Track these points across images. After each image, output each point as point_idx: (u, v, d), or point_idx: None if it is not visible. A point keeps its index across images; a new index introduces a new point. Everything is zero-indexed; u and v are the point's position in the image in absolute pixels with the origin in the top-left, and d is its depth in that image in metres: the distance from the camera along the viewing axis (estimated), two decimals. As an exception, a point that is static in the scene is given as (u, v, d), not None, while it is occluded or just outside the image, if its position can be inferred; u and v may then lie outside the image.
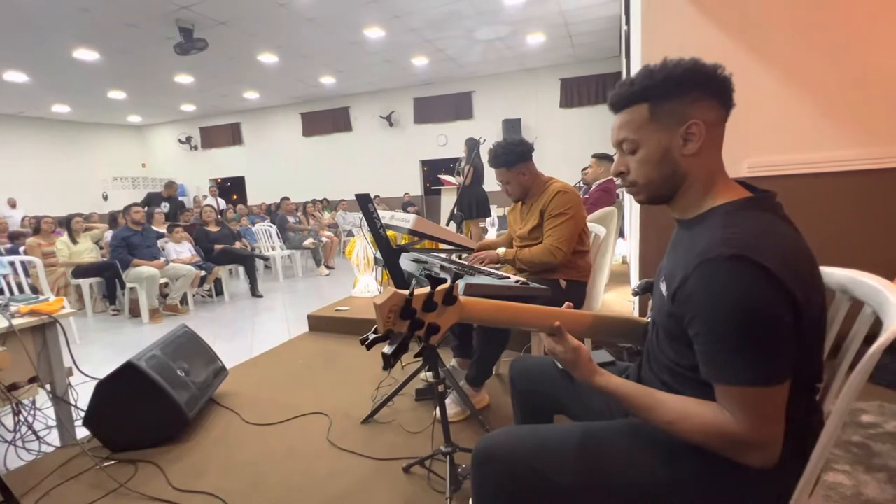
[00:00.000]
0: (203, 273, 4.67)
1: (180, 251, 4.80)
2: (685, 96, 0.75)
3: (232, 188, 12.77)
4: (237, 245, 5.45)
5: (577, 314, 0.93)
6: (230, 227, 5.96)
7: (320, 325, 3.34)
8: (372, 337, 0.68)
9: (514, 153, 1.92)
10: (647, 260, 2.45)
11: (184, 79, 8.54)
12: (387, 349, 0.65)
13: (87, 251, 4.66)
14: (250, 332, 3.77)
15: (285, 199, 7.20)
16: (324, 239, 6.85)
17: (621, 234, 4.12)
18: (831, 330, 0.85)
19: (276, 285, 5.82)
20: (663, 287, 0.79)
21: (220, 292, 5.11)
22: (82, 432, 1.91)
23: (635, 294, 1.03)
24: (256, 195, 11.80)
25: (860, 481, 1.35)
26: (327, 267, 6.64)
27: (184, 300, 4.61)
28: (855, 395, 0.68)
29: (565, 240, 1.82)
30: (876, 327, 0.71)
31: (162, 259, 4.46)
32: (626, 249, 4.05)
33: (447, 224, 3.16)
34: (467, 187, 4.89)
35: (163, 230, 5.18)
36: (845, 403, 0.68)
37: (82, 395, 1.93)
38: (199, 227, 5.48)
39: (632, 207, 3.15)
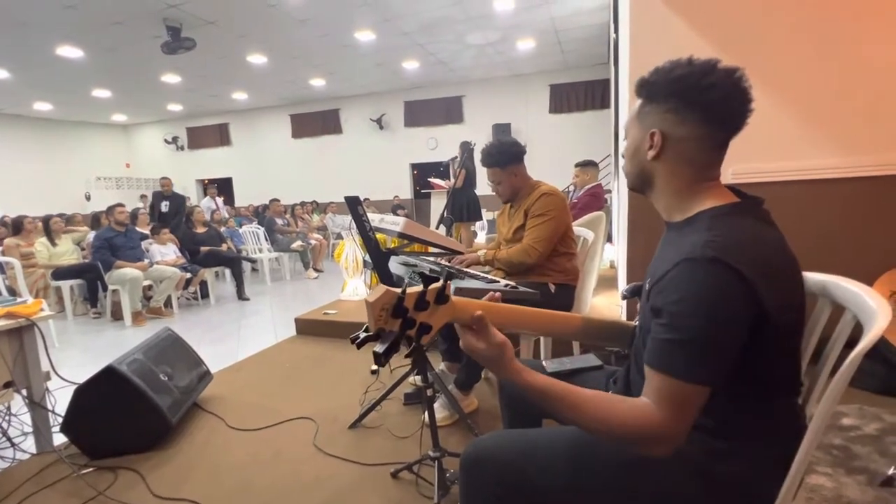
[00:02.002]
0: (188, 275, 4.59)
1: (165, 253, 4.72)
2: (662, 104, 0.76)
3: (219, 189, 12.59)
4: (223, 247, 5.37)
5: (566, 317, 0.94)
6: (217, 229, 5.87)
7: (308, 328, 3.31)
8: (363, 336, 0.67)
9: (508, 154, 1.93)
10: (634, 264, 2.47)
11: (171, 78, 8.43)
12: (378, 347, 0.65)
13: (67, 253, 4.55)
14: (236, 335, 3.72)
15: (274, 200, 7.13)
16: (312, 242, 6.79)
17: (609, 238, 4.16)
18: (814, 334, 0.87)
19: (264, 288, 5.75)
20: (647, 285, 0.79)
21: (205, 295, 5.03)
22: (60, 439, 1.86)
23: (624, 298, 1.04)
24: (244, 197, 11.68)
25: (841, 483, 1.37)
26: (316, 270, 6.58)
27: (168, 303, 4.52)
28: (837, 399, 0.69)
29: (542, 240, 1.83)
30: (857, 332, 0.72)
31: (146, 261, 4.38)
32: (613, 254, 4.09)
33: (437, 227, 3.16)
34: (459, 190, 4.91)
35: (147, 231, 5.09)
36: (827, 407, 0.69)
37: (60, 400, 1.88)
38: (185, 228, 5.40)
39: (620, 212, 3.19)
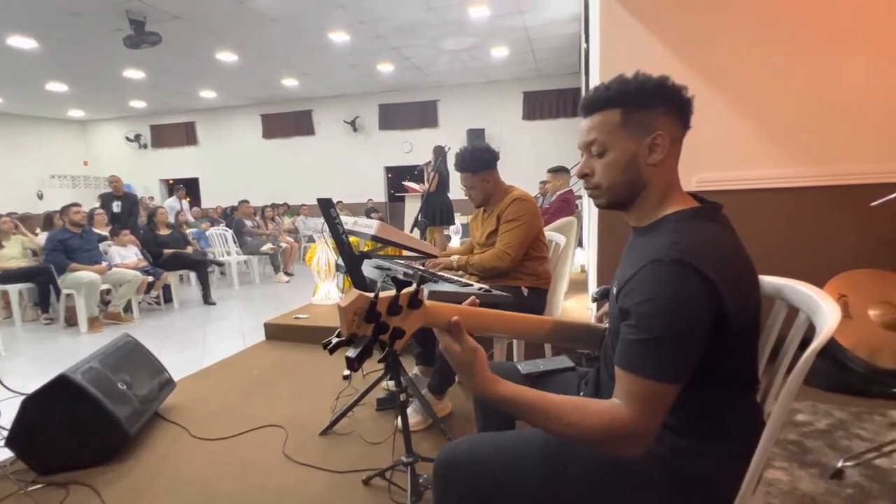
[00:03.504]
0: (150, 279, 4.40)
1: (125, 255, 4.50)
2: (654, 108, 0.78)
3: (185, 190, 12.15)
4: (188, 249, 5.17)
5: (538, 320, 0.95)
6: (181, 231, 5.65)
7: (278, 333, 3.22)
8: (335, 341, 0.66)
9: (481, 160, 1.95)
10: (604, 268, 2.54)
11: (134, 73, 8.08)
12: (350, 353, 0.63)
13: (16, 256, 4.28)
14: (201, 341, 3.58)
15: (244, 202, 6.93)
16: (283, 244, 6.64)
17: (580, 243, 4.25)
18: (771, 335, 0.91)
19: (231, 292, 5.57)
20: (615, 289, 0.81)
21: (169, 299, 4.83)
22: (5, 454, 1.73)
23: (594, 300, 1.06)
24: (211, 198, 11.30)
25: (795, 476, 1.44)
26: (286, 273, 6.43)
27: (128, 308, 4.32)
28: (793, 397, 0.72)
29: (514, 245, 1.85)
30: (810, 332, 0.76)
31: (104, 263, 4.16)
32: (584, 258, 4.19)
33: (411, 231, 3.15)
34: (432, 194, 4.90)
35: (105, 233, 4.84)
36: (784, 404, 0.73)
37: (6, 412, 1.75)
38: (147, 230, 5.16)
39: (590, 218, 3.26)
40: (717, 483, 0.75)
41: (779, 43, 2.23)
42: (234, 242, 6.18)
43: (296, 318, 3.29)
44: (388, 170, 10.58)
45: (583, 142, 0.83)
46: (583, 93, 6.10)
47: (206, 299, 4.90)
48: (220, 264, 5.92)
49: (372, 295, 0.65)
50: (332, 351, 0.67)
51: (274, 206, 8.45)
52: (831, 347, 2.00)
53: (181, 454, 1.82)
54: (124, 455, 1.78)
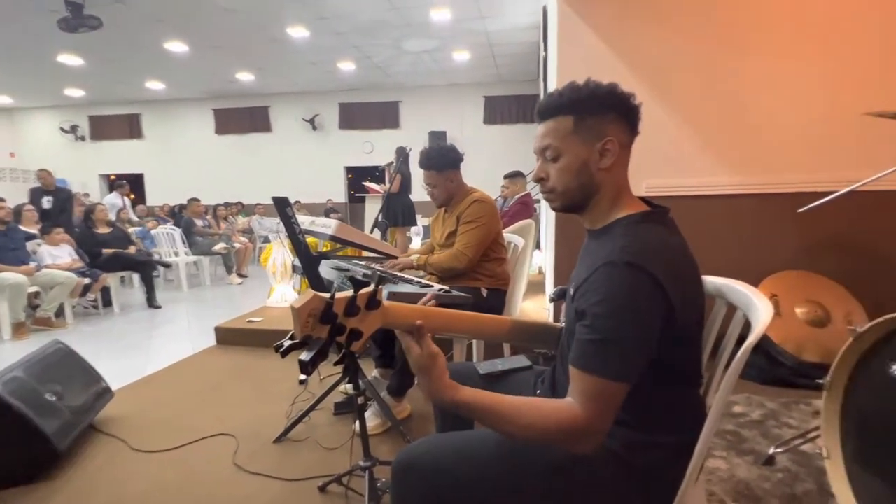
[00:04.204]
0: (87, 281, 4.08)
1: (57, 255, 4.15)
2: (605, 115, 0.81)
3: (128, 186, 11.38)
4: (131, 249, 4.84)
5: (497, 320, 0.96)
6: (123, 230, 5.29)
7: (229, 337, 3.08)
8: (288, 343, 0.63)
9: (447, 158, 1.96)
10: (561, 270, 2.61)
11: (70, 59, 7.49)
12: (304, 356, 0.61)
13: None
14: (145, 347, 3.36)
15: (193, 200, 6.58)
16: (237, 245, 6.37)
17: (538, 245, 4.36)
18: (712, 332, 0.97)
19: (179, 295, 5.27)
20: (571, 290, 0.84)
21: (108, 303, 4.50)
22: None
23: (551, 300, 1.09)
24: (158, 195, 10.65)
25: (733, 464, 1.55)
26: (240, 275, 6.17)
27: (60, 312, 3.98)
28: (731, 390, 0.77)
29: (472, 246, 1.87)
30: (746, 329, 0.81)
31: (32, 264, 3.82)
32: (542, 260, 4.29)
33: (371, 231, 3.11)
34: (394, 195, 4.88)
35: (35, 231, 4.44)
36: (723, 397, 0.78)
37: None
38: (84, 228, 4.78)
39: (548, 221, 3.36)
40: (665, 474, 0.78)
41: (719, 61, 2.39)
42: (183, 242, 5.85)
43: (249, 321, 3.16)
44: (349, 170, 10.40)
45: (538, 147, 0.85)
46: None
47: (151, 302, 4.61)
48: (167, 265, 5.59)
49: (328, 296, 0.63)
50: (284, 354, 0.64)
51: (227, 204, 8.09)
52: (764, 343, 2.16)
53: (120, 469, 1.69)
54: (54, 472, 1.64)
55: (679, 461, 0.77)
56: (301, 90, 9.89)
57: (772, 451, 1.55)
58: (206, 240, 6.11)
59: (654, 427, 0.79)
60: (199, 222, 6.28)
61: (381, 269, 1.97)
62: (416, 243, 5.72)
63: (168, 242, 5.77)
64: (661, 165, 2.46)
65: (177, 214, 7.57)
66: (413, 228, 5.53)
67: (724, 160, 2.45)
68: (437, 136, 9.20)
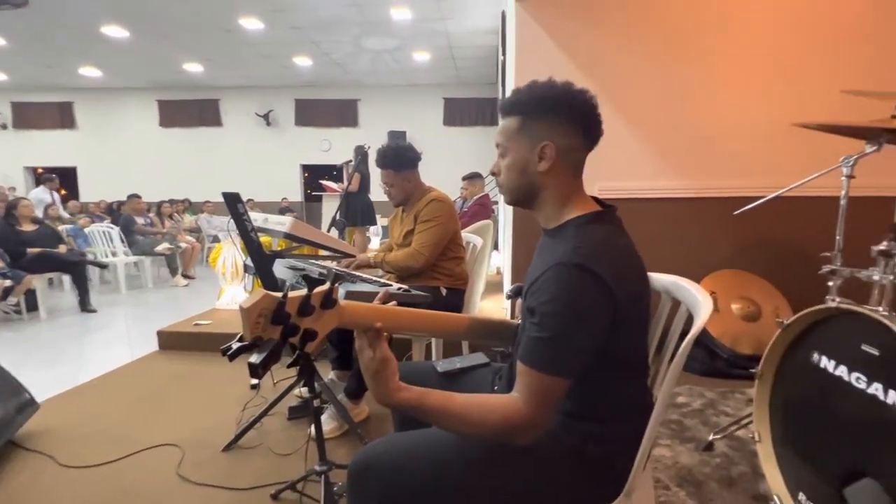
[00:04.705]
0: (8, 283, 3.71)
1: (-27, 255, 3.75)
2: (548, 119, 0.82)
3: (58, 180, 10.46)
4: (61, 248, 4.45)
5: (455, 318, 0.96)
6: (52, 227, 4.85)
7: (174, 342, 2.90)
8: (236, 346, 0.60)
9: (405, 158, 1.95)
10: (518, 269, 2.67)
11: (-11, 39, 6.81)
12: (254, 358, 0.58)
13: None
14: (76, 355, 3.11)
15: (134, 196, 6.15)
16: (182, 244, 6.02)
17: (496, 246, 4.43)
18: (658, 326, 1.02)
19: (117, 298, 4.91)
20: (525, 287, 0.86)
21: (33, 307, 4.11)
22: None
23: (508, 298, 1.11)
24: (93, 191, 9.88)
25: (677, 452, 1.64)
26: (186, 276, 5.83)
27: (-24, 318, 3.60)
28: (674, 382, 0.82)
29: (429, 245, 1.87)
30: (689, 324, 0.86)
31: (-58, 265, 3.43)
32: (500, 260, 4.36)
33: (328, 231, 3.04)
34: (353, 195, 4.79)
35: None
36: (668, 389, 0.82)
37: None
38: (5, 224, 4.34)
39: (506, 221, 3.42)
40: (615, 463, 0.81)
41: (669, 73, 2.54)
42: (122, 241, 5.46)
43: (196, 324, 2.99)
44: (305, 168, 10.12)
45: (495, 142, 0.88)
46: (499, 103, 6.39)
47: (84, 306, 4.26)
48: (103, 266, 5.19)
49: (280, 294, 0.60)
50: (231, 357, 0.61)
51: (173, 202, 7.64)
52: (704, 337, 2.31)
53: (46, 487, 1.55)
54: (-34, 494, 1.48)
55: (628, 450, 0.81)
56: (254, 84, 9.51)
57: (711, 437, 1.66)
58: (147, 239, 5.73)
59: (604, 419, 0.82)
60: (139, 220, 5.88)
61: (339, 267, 1.93)
62: (375, 243, 5.65)
63: (104, 241, 5.36)
64: (614, 169, 2.57)
65: (115, 212, 7.05)
66: (372, 228, 5.46)
67: (671, 166, 2.60)
68: (397, 136, 9.14)
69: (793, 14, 2.44)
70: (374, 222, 5.16)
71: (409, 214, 1.99)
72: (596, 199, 0.89)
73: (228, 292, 3.45)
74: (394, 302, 0.86)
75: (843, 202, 1.50)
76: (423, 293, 1.41)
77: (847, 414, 1.04)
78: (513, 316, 2.81)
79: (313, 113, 9.72)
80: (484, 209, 3.86)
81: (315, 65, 8.14)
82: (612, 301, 0.74)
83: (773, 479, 1.26)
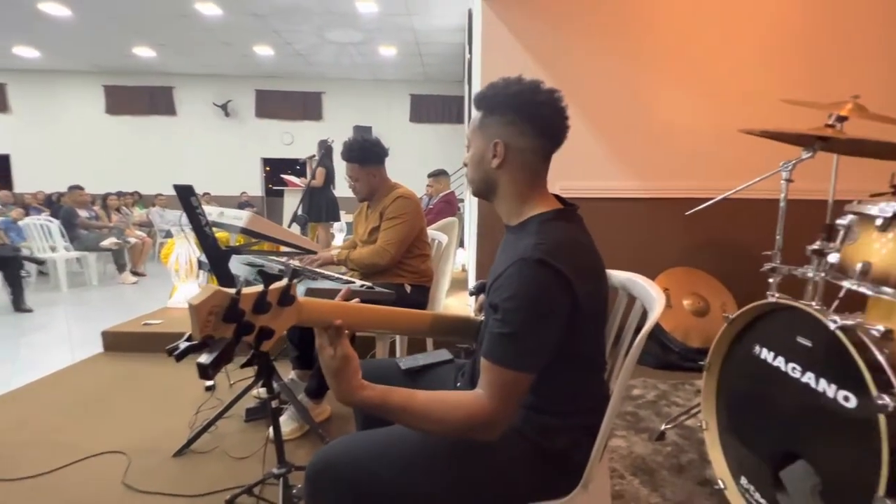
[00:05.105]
0: (-72, 280, 3.38)
1: None
2: (503, 117, 0.84)
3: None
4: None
5: (418, 314, 0.96)
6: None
7: (121, 343, 2.74)
8: (184, 345, 0.57)
9: (371, 152, 1.92)
10: (482, 266, 2.70)
11: None
12: (203, 358, 0.55)
13: None
14: (9, 357, 2.87)
15: (76, 188, 5.74)
16: (131, 239, 5.68)
17: (461, 243, 4.46)
18: (615, 321, 1.06)
19: (57, 296, 4.58)
20: (489, 284, 0.86)
21: (-42, 307, 3.77)
22: None
23: (471, 294, 1.12)
24: (29, 181, 9.14)
25: (632, 442, 1.71)
26: (135, 273, 5.52)
27: None
28: (629, 374, 0.85)
29: (395, 242, 1.86)
30: (644, 319, 0.90)
31: None
32: (465, 258, 4.39)
33: (289, 226, 2.95)
34: (318, 190, 4.69)
35: None
36: (624, 381, 0.85)
37: None
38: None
39: (471, 219, 3.44)
40: (573, 455, 0.83)
41: (628, 77, 2.63)
42: (63, 236, 5.09)
43: (145, 324, 2.84)
44: (266, 162, 9.78)
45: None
46: (466, 101, 6.41)
47: (19, 305, 3.94)
48: (40, 262, 4.82)
49: (233, 291, 0.58)
50: (179, 357, 0.57)
51: (121, 194, 7.20)
52: (657, 332, 2.41)
53: (-28, 502, 1.42)
54: None
55: (585, 443, 0.83)
56: (212, 73, 9.08)
57: (663, 427, 1.74)
58: (92, 233, 5.37)
59: (562, 412, 0.84)
60: (83, 213, 5.49)
61: (300, 264, 1.88)
62: (340, 240, 5.55)
63: (42, 236, 4.97)
64: (576, 168, 2.64)
65: (54, 204, 6.56)
66: (336, 224, 5.36)
67: (628, 166, 2.70)
68: (363, 131, 8.98)
69: (740, 26, 2.58)
70: (338, 218, 5.07)
71: (375, 211, 1.97)
72: (558, 198, 0.90)
73: (182, 290, 3.29)
74: (357, 299, 0.84)
75: (782, 204, 1.60)
76: (386, 290, 1.39)
77: (784, 402, 1.12)
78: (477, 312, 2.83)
79: (275, 105, 9.40)
80: (449, 206, 3.87)
81: (277, 55, 7.88)
82: (572, 296, 0.75)
83: (718, 464, 1.34)
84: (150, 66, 8.69)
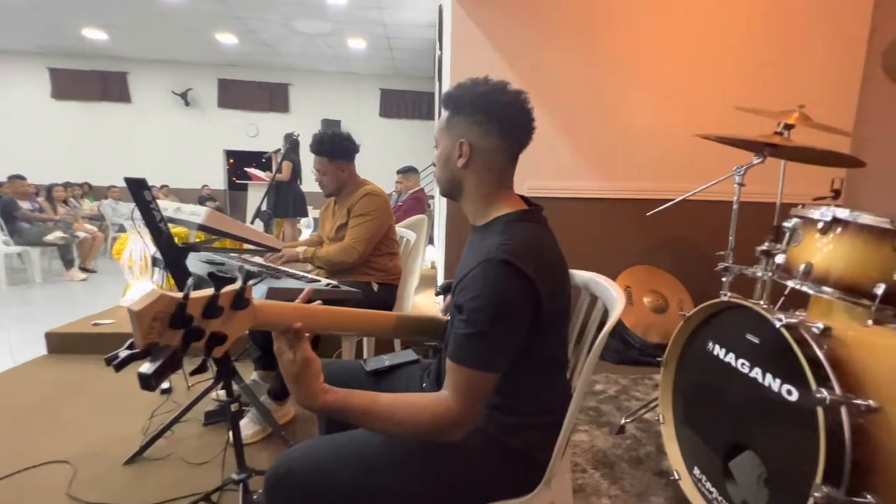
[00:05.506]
0: None
1: None
2: (469, 117, 0.84)
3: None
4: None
5: (382, 315, 0.94)
6: None
7: (67, 345, 2.57)
8: (124, 354, 0.53)
9: (341, 147, 1.88)
10: (451, 265, 2.70)
11: None
12: (145, 367, 0.51)
13: None
14: (-62, 361, 2.64)
15: (17, 177, 5.33)
16: (80, 233, 5.35)
17: (431, 241, 4.45)
18: (577, 320, 1.08)
19: (-5, 294, 4.26)
20: (454, 284, 0.86)
21: None
22: None
23: (438, 294, 1.11)
24: (-37, 169, 8.44)
25: (593, 436, 1.76)
26: (84, 270, 5.20)
27: None
28: (591, 371, 0.87)
29: (363, 240, 1.83)
30: (605, 317, 0.92)
31: None
32: (435, 255, 4.38)
33: (252, 222, 2.85)
34: (285, 184, 4.56)
35: None
36: (586, 378, 0.87)
37: None
38: None
39: (440, 216, 3.44)
40: (536, 451, 0.85)
41: (594, 80, 2.68)
42: (2, 229, 4.73)
43: (95, 324, 2.68)
44: (230, 154, 9.42)
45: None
46: (436, 98, 6.40)
47: (-50, 305, 3.64)
48: (-24, 258, 4.46)
49: (180, 295, 0.54)
50: (119, 367, 0.53)
51: (68, 185, 6.75)
52: (619, 328, 2.49)
53: None
54: None
55: (548, 441, 0.85)
56: (170, 59, 8.65)
57: (623, 421, 1.80)
58: (35, 227, 5.01)
59: (527, 410, 0.85)
60: (24, 205, 5.12)
61: (264, 262, 1.82)
62: (307, 236, 5.42)
63: (-22, 229, 4.61)
64: (543, 169, 2.68)
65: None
66: (303, 220, 5.23)
67: (593, 168, 2.77)
68: (331, 125, 8.81)
69: (698, 35, 2.68)
70: (305, 214, 4.95)
71: (342, 207, 1.93)
72: (523, 198, 0.91)
73: (136, 287, 3.12)
74: (319, 301, 0.82)
75: (735, 206, 1.69)
76: (353, 289, 1.37)
77: (734, 396, 1.18)
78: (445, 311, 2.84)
79: (239, 95, 9.05)
80: (419, 203, 3.85)
81: (241, 43, 7.58)
82: (536, 296, 0.76)
83: (674, 455, 1.40)
84: (101, 50, 8.18)
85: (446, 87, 2.72)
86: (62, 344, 2.58)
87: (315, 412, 0.72)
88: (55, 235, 4.98)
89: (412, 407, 0.73)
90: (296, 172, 4.65)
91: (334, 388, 0.72)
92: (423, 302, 3.27)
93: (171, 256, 1.46)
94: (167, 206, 1.59)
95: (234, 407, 1.29)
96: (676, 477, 1.36)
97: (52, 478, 1.49)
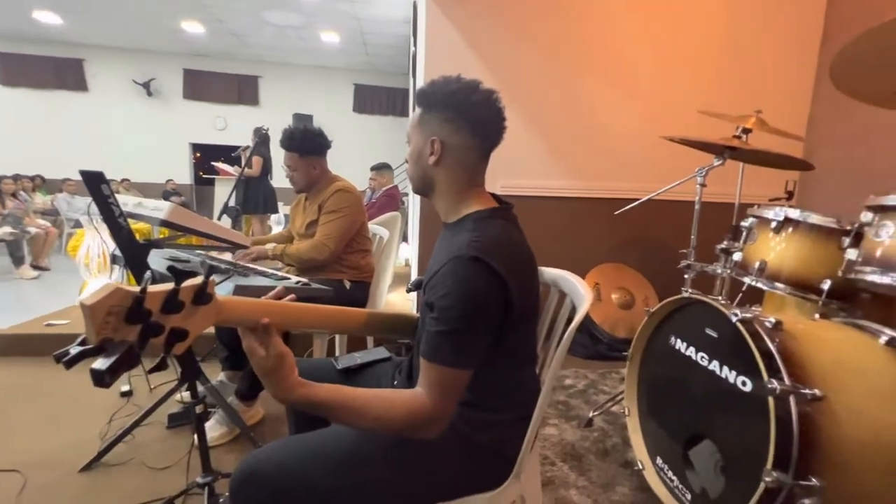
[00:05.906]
0: None
1: None
2: (440, 114, 0.85)
3: None
4: None
5: (351, 312, 0.94)
6: None
7: (16, 347, 2.43)
8: (75, 350, 0.50)
9: (312, 142, 1.85)
10: (425, 262, 2.70)
11: None
12: (99, 363, 0.49)
13: None
14: None
15: (-41, 169, 4.99)
16: (31, 229, 5.05)
17: (405, 238, 4.43)
18: (547, 316, 1.11)
19: (-65, 294, 3.97)
20: (425, 281, 0.87)
21: None
22: None
23: (408, 291, 1.11)
24: None
25: (563, 429, 1.80)
26: (36, 267, 4.92)
27: None
28: (560, 366, 0.89)
29: (334, 237, 1.81)
30: (574, 313, 0.94)
31: None
32: (409, 252, 4.37)
33: (219, 218, 2.77)
34: (255, 179, 4.44)
35: None
36: (554, 372, 0.89)
37: None
38: None
39: (414, 214, 3.43)
40: (506, 446, 0.86)
41: (562, 77, 2.73)
42: (-58, 224, 4.41)
43: (48, 324, 2.54)
44: (196, 147, 9.08)
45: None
46: (411, 94, 6.36)
47: None
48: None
49: (137, 289, 0.52)
50: (69, 364, 0.51)
51: (18, 177, 6.36)
52: (588, 324, 2.56)
53: None
54: None
55: (518, 433, 0.86)
56: (132, 46, 8.25)
57: (591, 414, 1.85)
58: (-19, 222, 4.71)
59: (496, 406, 0.86)
60: (-30, 198, 4.79)
61: (232, 259, 1.77)
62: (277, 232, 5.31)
63: (-85, 223, 4.28)
64: (514, 167, 2.72)
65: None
66: (274, 216, 5.11)
67: (563, 167, 2.82)
68: (303, 120, 8.63)
69: (664, 39, 2.77)
70: (276, 210, 4.84)
71: (314, 204, 1.90)
72: (494, 196, 0.92)
73: (93, 286, 2.97)
74: (291, 297, 0.81)
75: (697, 206, 1.76)
76: (324, 287, 1.35)
77: (694, 388, 1.23)
78: (418, 308, 2.84)
79: (206, 86, 8.73)
80: (392, 201, 3.82)
81: (208, 32, 7.31)
82: (505, 293, 0.77)
83: (638, 447, 1.45)
84: (54, 35, 7.72)
85: (420, 84, 2.71)
86: (12, 346, 2.43)
87: (292, 406, 0.71)
88: (2, 231, 4.69)
89: (388, 403, 0.73)
90: (266, 167, 4.54)
91: (309, 382, 0.71)
92: (397, 300, 3.26)
93: (132, 253, 1.40)
94: (127, 201, 1.52)
95: (199, 408, 1.26)
96: (640, 467, 1.40)
97: (1, 488, 1.41)
